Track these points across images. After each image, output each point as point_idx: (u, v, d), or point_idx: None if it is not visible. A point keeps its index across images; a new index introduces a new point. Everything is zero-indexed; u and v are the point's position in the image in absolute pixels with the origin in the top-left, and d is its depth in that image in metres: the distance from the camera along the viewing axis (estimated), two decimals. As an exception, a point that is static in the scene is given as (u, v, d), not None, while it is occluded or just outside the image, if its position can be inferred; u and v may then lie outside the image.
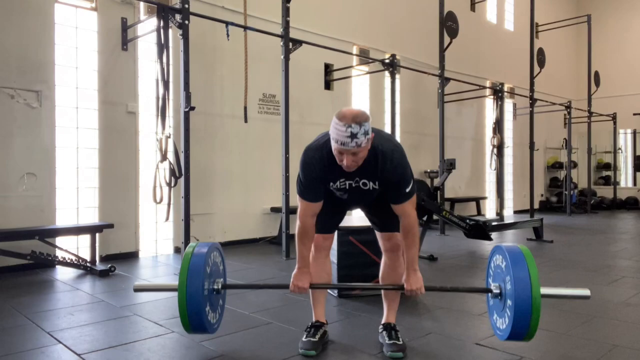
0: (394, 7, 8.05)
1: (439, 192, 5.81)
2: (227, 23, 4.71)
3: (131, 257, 5.06)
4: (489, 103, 9.58)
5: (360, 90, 7.66)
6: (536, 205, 10.81)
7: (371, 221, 2.51)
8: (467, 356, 2.36)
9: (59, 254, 4.31)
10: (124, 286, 3.85)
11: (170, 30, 4.40)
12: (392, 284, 2.46)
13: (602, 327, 2.84)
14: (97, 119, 4.91)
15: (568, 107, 10.22)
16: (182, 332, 2.68)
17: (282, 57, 5.08)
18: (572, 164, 11.00)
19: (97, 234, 4.53)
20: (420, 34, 8.36)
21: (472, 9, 9.87)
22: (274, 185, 5.85)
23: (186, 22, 4.31)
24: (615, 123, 11.86)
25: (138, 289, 2.33)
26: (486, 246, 5.68)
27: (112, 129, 4.99)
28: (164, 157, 4.39)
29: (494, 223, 5.83)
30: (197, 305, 2.11)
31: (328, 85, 7.08)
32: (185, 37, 4.32)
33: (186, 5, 4.32)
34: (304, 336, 2.41)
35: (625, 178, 13.03)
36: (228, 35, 4.73)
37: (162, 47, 4.34)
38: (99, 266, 4.31)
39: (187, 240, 4.25)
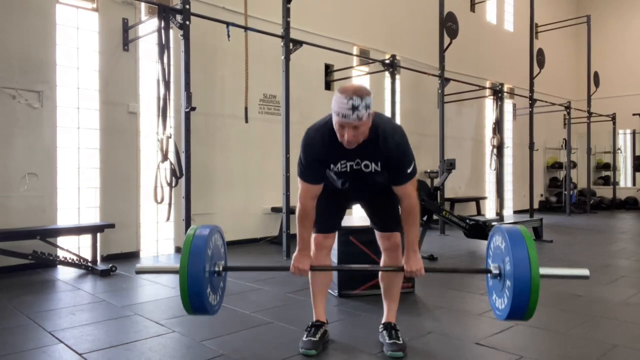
0: (394, 8, 8.06)
1: (439, 192, 5.83)
2: (227, 24, 4.73)
3: (132, 256, 5.07)
4: (489, 103, 9.59)
5: (360, 91, 7.64)
6: (536, 205, 10.82)
7: (371, 220, 2.52)
8: (467, 356, 2.37)
9: (61, 253, 4.32)
10: (125, 286, 3.87)
11: (171, 31, 4.42)
12: (392, 284, 2.47)
13: (601, 326, 2.85)
14: (98, 119, 4.92)
15: (568, 107, 10.23)
16: (183, 332, 2.70)
17: (282, 57, 5.09)
18: (572, 164, 11.02)
19: (98, 234, 4.55)
20: (420, 35, 8.37)
21: (472, 9, 9.88)
22: (275, 185, 5.85)
23: (187, 22, 4.32)
24: (614, 123, 11.88)
25: (140, 271, 2.33)
26: (486, 246, 5.69)
27: (113, 129, 5.00)
28: (164, 157, 4.40)
29: (493, 223, 5.84)
30: (198, 287, 2.10)
31: (328, 86, 7.09)
32: (186, 37, 4.33)
33: (187, 6, 4.34)
34: (305, 336, 2.41)
35: (624, 178, 13.05)
36: (229, 36, 4.74)
37: (163, 47, 4.35)
38: (100, 266, 4.32)
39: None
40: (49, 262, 4.26)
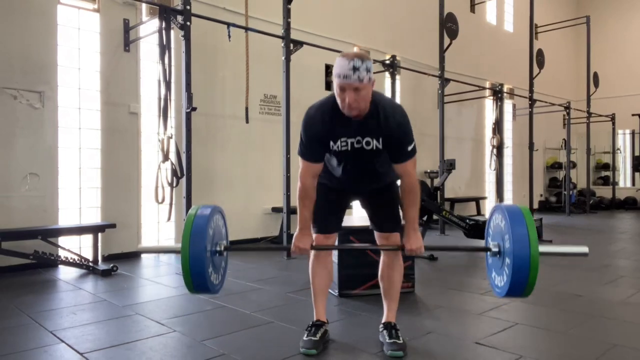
0: (394, 9, 8.07)
1: (439, 192, 5.84)
2: (228, 24, 4.74)
3: (133, 256, 5.07)
4: (489, 104, 9.60)
5: (360, 91, 7.66)
6: (535, 205, 10.84)
7: (371, 220, 2.52)
8: (467, 355, 2.38)
9: (62, 253, 4.33)
10: (126, 286, 3.88)
11: (172, 32, 4.43)
12: (391, 284, 2.48)
13: (601, 326, 2.86)
14: (99, 119, 4.94)
15: (567, 107, 10.25)
16: (184, 332, 2.71)
17: (283, 58, 5.11)
18: (571, 164, 11.03)
19: (100, 234, 4.56)
20: (420, 35, 8.39)
21: (472, 10, 9.89)
22: (275, 186, 5.87)
23: (188, 23, 4.34)
24: (614, 124, 11.90)
25: (142, 251, 2.33)
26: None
27: (114, 129, 5.01)
28: (165, 158, 4.42)
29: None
30: (200, 266, 2.10)
31: (329, 86, 7.10)
32: (187, 38, 4.35)
33: (188, 7, 4.35)
34: (305, 335, 2.42)
35: (623, 178, 13.06)
36: (229, 37, 4.75)
37: (164, 48, 4.37)
38: (102, 266, 4.34)
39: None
40: (50, 262, 4.27)
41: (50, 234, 4.26)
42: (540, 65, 9.18)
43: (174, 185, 4.45)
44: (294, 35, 5.16)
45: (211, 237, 2.19)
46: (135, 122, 5.18)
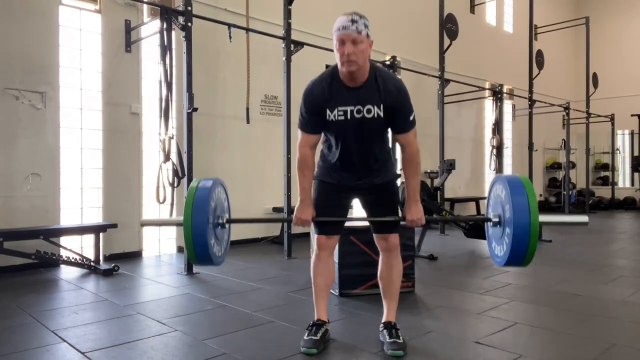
0: (394, 10, 8.09)
1: (439, 192, 5.86)
2: (229, 25, 4.75)
3: (135, 256, 5.10)
4: (489, 104, 9.62)
5: (360, 92, 7.67)
6: (535, 206, 10.84)
7: (370, 222, 2.51)
8: (466, 354, 2.39)
9: (64, 253, 4.35)
10: (128, 285, 3.90)
11: (173, 32, 4.44)
12: (390, 283, 2.49)
13: (600, 325, 2.87)
14: (101, 120, 4.95)
15: (567, 108, 10.25)
16: (185, 331, 2.73)
17: (283, 58, 5.13)
18: (571, 164, 11.04)
19: (101, 234, 4.58)
20: (420, 36, 8.41)
21: (472, 11, 9.91)
22: (276, 186, 5.88)
23: (189, 24, 4.35)
24: (613, 124, 11.92)
25: (145, 224, 2.34)
26: (485, 246, 5.71)
27: (115, 129, 5.03)
28: (167, 158, 4.43)
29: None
30: (202, 237, 2.12)
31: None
32: (188, 39, 4.36)
33: (189, 8, 4.36)
34: (306, 334, 2.42)
35: (623, 178, 13.08)
36: (230, 37, 4.77)
37: (165, 48, 4.38)
38: (103, 265, 4.35)
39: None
40: (52, 262, 4.29)
41: (52, 233, 4.28)
42: (540, 65, 9.19)
43: (175, 185, 4.46)
44: (294, 36, 5.18)
45: (213, 209, 2.20)
46: (136, 122, 5.19)
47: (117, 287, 3.83)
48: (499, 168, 8.27)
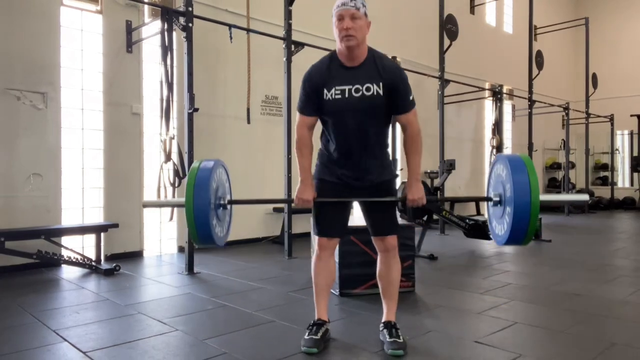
0: (395, 10, 8.10)
1: (439, 192, 5.87)
2: (230, 26, 4.77)
3: (136, 256, 5.11)
4: (488, 104, 9.64)
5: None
6: (535, 206, 10.85)
7: (367, 223, 2.50)
8: (466, 354, 2.40)
9: (65, 253, 4.36)
10: (129, 285, 3.91)
11: (174, 33, 4.45)
12: (389, 283, 2.50)
13: (600, 325, 2.88)
14: (102, 120, 4.97)
15: (566, 108, 10.27)
16: (186, 331, 2.74)
17: (284, 59, 5.14)
18: (570, 164, 11.06)
19: (102, 234, 4.59)
20: (420, 37, 8.42)
21: (472, 11, 9.93)
22: (276, 186, 5.89)
23: (190, 24, 4.36)
24: (612, 124, 11.94)
25: (146, 205, 2.34)
26: (486, 246, 5.74)
27: (116, 130, 5.04)
28: (168, 158, 4.44)
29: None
30: (204, 217, 2.12)
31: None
32: (189, 39, 4.37)
33: (190, 8, 4.37)
34: (306, 334, 2.43)
35: (622, 178, 13.10)
36: (231, 38, 4.78)
37: (166, 49, 4.39)
38: (104, 265, 4.37)
39: (191, 240, 4.30)
40: (54, 262, 4.30)
41: (54, 233, 4.29)
42: (540, 66, 9.21)
43: (176, 185, 4.47)
44: (295, 36, 5.19)
45: (214, 189, 2.21)
46: (137, 122, 5.20)
47: (118, 286, 3.84)
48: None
